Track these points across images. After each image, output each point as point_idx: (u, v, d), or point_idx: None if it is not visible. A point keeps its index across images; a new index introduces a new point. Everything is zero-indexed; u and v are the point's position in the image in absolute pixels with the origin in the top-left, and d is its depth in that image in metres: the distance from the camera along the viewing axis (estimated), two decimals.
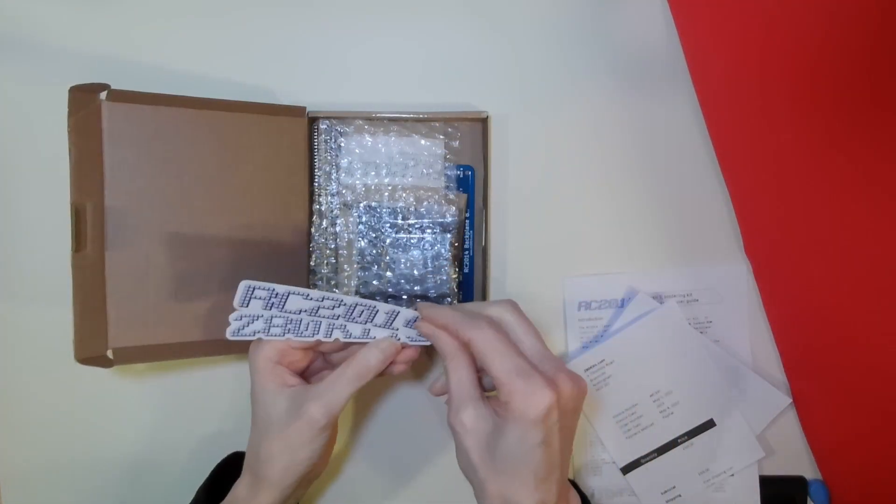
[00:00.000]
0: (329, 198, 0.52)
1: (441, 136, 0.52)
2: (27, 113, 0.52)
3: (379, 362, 0.41)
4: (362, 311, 0.41)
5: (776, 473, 0.54)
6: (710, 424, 0.53)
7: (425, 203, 0.52)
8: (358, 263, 0.52)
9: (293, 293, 0.39)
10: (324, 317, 0.41)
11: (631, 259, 0.54)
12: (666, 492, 0.53)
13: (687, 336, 0.53)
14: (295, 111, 0.50)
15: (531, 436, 0.35)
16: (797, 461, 0.55)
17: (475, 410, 0.37)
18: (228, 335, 0.40)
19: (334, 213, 0.52)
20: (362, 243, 0.52)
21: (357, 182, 0.52)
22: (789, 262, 0.50)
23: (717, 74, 0.50)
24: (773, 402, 0.53)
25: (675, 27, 0.51)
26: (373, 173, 0.52)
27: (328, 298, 0.40)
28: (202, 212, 0.47)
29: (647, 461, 0.53)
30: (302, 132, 0.50)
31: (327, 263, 0.52)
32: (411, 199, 0.52)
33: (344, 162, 0.52)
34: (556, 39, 0.52)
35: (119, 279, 0.45)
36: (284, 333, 0.41)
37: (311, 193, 0.51)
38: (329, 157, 0.52)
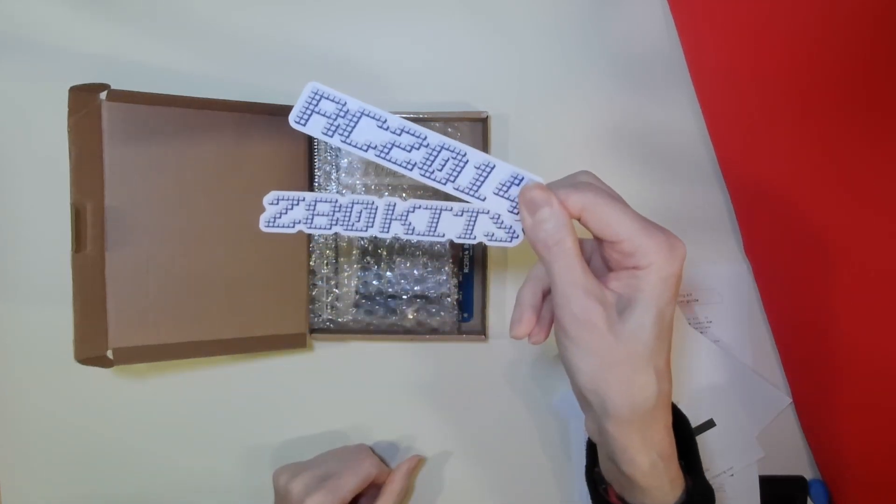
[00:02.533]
0: None
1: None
2: (27, 113, 0.52)
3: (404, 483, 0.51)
4: (446, 160, 0.32)
5: (776, 473, 0.54)
6: (710, 424, 0.53)
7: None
8: (358, 263, 0.52)
9: (367, 114, 0.31)
10: (393, 160, 0.32)
11: None
12: None
13: (687, 336, 0.53)
14: None
15: (670, 299, 0.31)
16: (797, 461, 0.55)
17: (601, 299, 0.31)
18: (262, 225, 0.34)
19: None
20: (362, 243, 0.52)
21: (357, 182, 0.52)
22: (789, 262, 0.50)
23: (716, 75, 0.50)
24: (773, 402, 0.53)
25: (675, 27, 0.51)
26: (373, 173, 0.52)
27: (407, 132, 0.32)
28: (202, 212, 0.47)
29: None
30: (302, 132, 0.50)
31: (327, 263, 0.52)
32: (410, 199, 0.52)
33: (344, 162, 0.52)
34: (557, 39, 0.52)
35: (119, 279, 0.45)
36: (331, 225, 0.33)
37: None
38: (329, 157, 0.52)
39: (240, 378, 0.54)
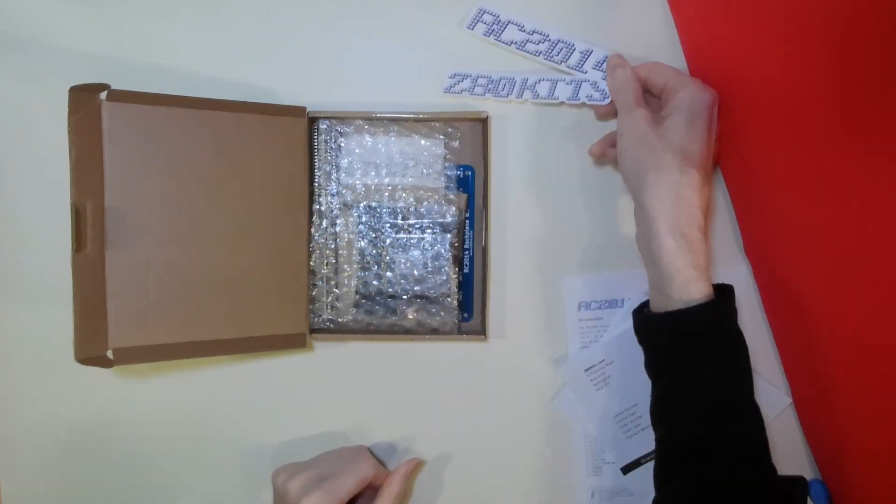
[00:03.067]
0: (329, 198, 0.52)
1: (441, 136, 0.52)
2: (27, 113, 0.52)
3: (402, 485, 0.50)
4: (561, 49, 0.48)
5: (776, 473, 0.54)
6: None
7: (425, 203, 0.52)
8: (358, 263, 0.52)
9: (511, 22, 0.48)
10: (528, 52, 0.49)
11: (631, 259, 0.54)
12: None
13: None
14: (295, 111, 0.50)
15: (703, 109, 0.43)
16: (797, 461, 0.55)
17: (646, 108, 0.45)
18: (444, 90, 0.50)
19: (334, 213, 0.52)
20: (362, 243, 0.52)
21: (357, 182, 0.52)
22: (789, 262, 0.50)
23: (716, 75, 0.50)
24: (773, 402, 0.53)
25: (675, 27, 0.51)
26: (373, 173, 0.52)
27: (537, 31, 0.48)
28: (202, 212, 0.47)
29: (647, 461, 0.53)
30: (302, 132, 0.50)
31: (327, 263, 0.52)
32: (411, 199, 0.52)
33: (344, 162, 0.52)
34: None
35: (119, 279, 0.45)
36: (485, 93, 0.49)
37: (311, 193, 0.51)
38: (329, 157, 0.52)
39: (240, 378, 0.54)
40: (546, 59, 0.48)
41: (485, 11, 0.48)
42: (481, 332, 0.51)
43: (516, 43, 0.48)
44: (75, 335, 0.42)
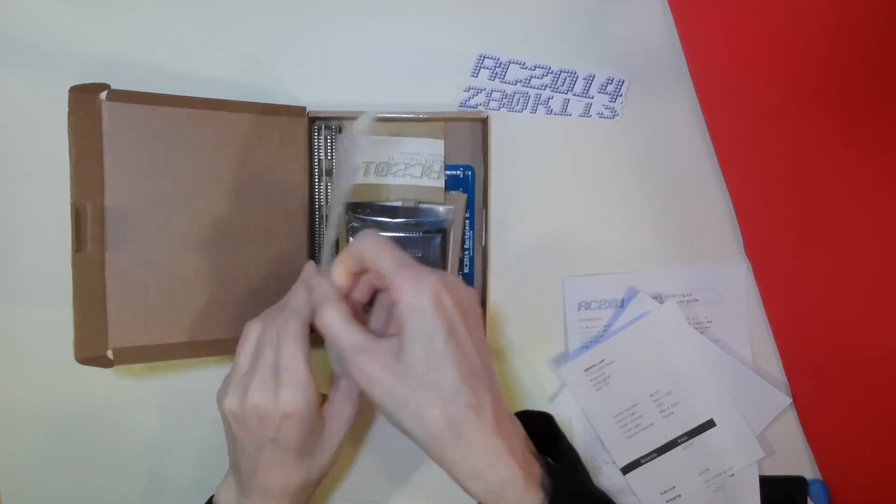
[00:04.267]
0: (329, 198, 0.52)
1: (441, 136, 0.52)
2: (27, 113, 0.52)
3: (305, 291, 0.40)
4: (565, 79, 0.50)
5: (776, 473, 0.54)
6: (710, 424, 0.53)
7: (422, 204, 0.52)
8: None
9: (513, 62, 0.50)
10: (533, 86, 0.50)
11: (631, 259, 0.54)
12: (666, 492, 0.53)
13: (687, 336, 0.53)
14: (295, 111, 0.50)
15: (432, 325, 0.34)
16: (797, 461, 0.55)
17: (371, 351, 0.35)
18: (458, 105, 0.51)
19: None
20: None
21: (357, 182, 0.52)
22: (789, 262, 0.50)
23: (717, 74, 0.50)
24: (773, 402, 0.53)
25: (675, 27, 0.51)
26: (373, 173, 0.52)
27: (539, 67, 0.50)
28: (202, 212, 0.47)
29: (647, 461, 0.53)
30: (302, 132, 0.50)
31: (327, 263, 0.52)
32: (411, 199, 0.52)
33: (344, 162, 0.52)
34: (556, 39, 0.52)
35: (119, 279, 0.45)
36: (500, 107, 0.51)
37: (311, 193, 0.51)
38: (329, 157, 0.52)
39: None
40: (553, 91, 0.51)
41: (485, 57, 0.50)
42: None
43: (521, 81, 0.50)
44: (75, 335, 0.42)
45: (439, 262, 0.51)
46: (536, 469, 0.37)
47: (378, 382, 0.35)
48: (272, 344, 0.38)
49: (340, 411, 0.42)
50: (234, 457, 0.42)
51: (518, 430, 0.39)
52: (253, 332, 0.40)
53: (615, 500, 0.40)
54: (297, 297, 0.40)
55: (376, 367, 0.35)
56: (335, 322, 0.37)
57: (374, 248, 0.37)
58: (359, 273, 0.40)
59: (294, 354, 0.38)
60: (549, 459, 0.39)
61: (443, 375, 0.34)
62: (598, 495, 0.40)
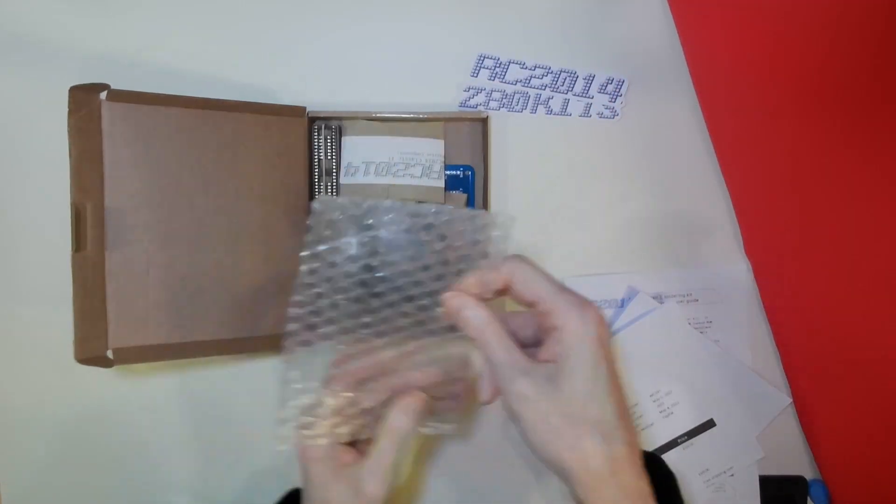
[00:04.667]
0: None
1: (441, 136, 0.52)
2: (27, 113, 0.52)
3: (409, 424, 0.40)
4: (565, 79, 0.50)
5: (776, 473, 0.54)
6: (710, 424, 0.53)
7: (422, 204, 0.52)
8: (355, 263, 0.51)
9: (513, 62, 0.49)
10: (533, 86, 0.49)
11: (631, 259, 0.54)
12: None
13: (687, 336, 0.53)
14: (295, 111, 0.50)
15: (597, 356, 0.33)
16: (797, 461, 0.55)
17: (530, 373, 0.34)
18: (459, 105, 0.51)
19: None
20: (353, 242, 0.51)
21: (357, 182, 0.52)
22: (789, 262, 0.50)
23: (717, 74, 0.50)
24: (773, 402, 0.53)
25: (675, 27, 0.51)
26: (373, 173, 0.52)
27: (539, 67, 0.49)
28: (202, 212, 0.47)
29: None
30: (302, 132, 0.50)
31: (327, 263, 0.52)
32: (410, 199, 0.52)
33: (344, 162, 0.52)
34: (556, 39, 0.52)
35: (119, 279, 0.44)
36: (500, 107, 0.50)
37: (311, 193, 0.51)
38: (329, 157, 0.52)
39: (240, 378, 0.54)
40: (552, 91, 0.50)
41: (485, 57, 0.49)
42: None
43: (521, 81, 0.50)
44: (75, 335, 0.42)
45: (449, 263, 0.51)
46: None
47: (535, 408, 0.34)
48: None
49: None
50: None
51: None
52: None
53: None
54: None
55: (535, 391, 0.34)
56: (494, 343, 0.36)
57: (529, 271, 0.36)
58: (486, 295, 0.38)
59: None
60: None
61: (604, 410, 0.33)
62: None
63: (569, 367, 0.34)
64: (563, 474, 0.34)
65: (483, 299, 0.37)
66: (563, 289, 0.35)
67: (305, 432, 0.41)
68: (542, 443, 0.34)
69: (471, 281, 0.37)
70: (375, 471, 0.39)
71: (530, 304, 0.36)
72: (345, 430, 0.41)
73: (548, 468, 0.35)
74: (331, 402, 0.41)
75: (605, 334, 0.34)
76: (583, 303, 0.34)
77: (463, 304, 0.37)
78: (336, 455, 0.41)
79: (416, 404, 0.40)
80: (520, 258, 0.37)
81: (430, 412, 0.42)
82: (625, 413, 0.34)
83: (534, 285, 0.35)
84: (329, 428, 0.41)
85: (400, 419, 0.40)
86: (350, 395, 0.41)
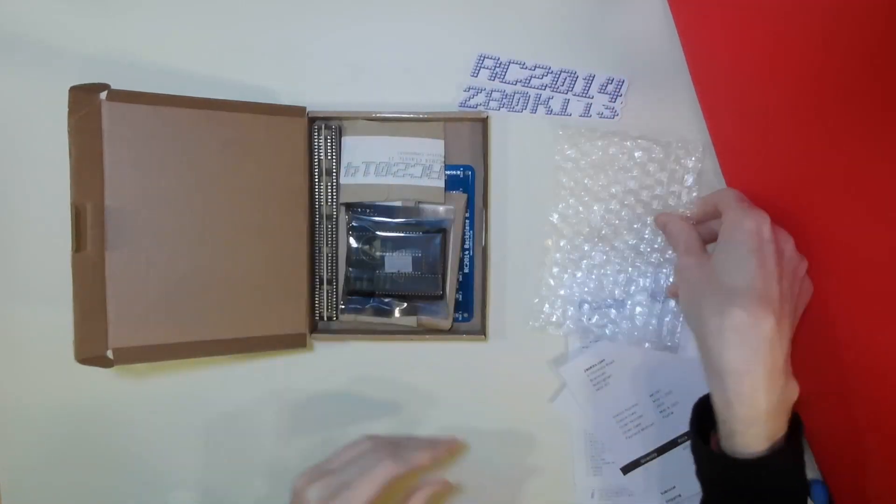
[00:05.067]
0: (329, 198, 0.52)
1: (441, 136, 0.52)
2: (27, 113, 0.52)
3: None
4: (565, 79, 0.50)
5: None
6: None
7: (422, 203, 0.52)
8: (356, 263, 0.52)
9: (513, 62, 0.50)
10: (533, 86, 0.50)
11: (631, 259, 0.54)
12: (666, 492, 0.53)
13: (687, 336, 0.53)
14: (295, 111, 0.50)
15: (741, 239, 0.41)
16: None
17: (694, 252, 0.45)
18: (458, 105, 0.51)
19: (334, 213, 0.52)
20: (359, 243, 0.52)
21: (357, 182, 0.52)
22: None
23: (717, 74, 0.50)
24: None
25: (675, 27, 0.51)
26: (373, 173, 0.52)
27: (539, 67, 0.50)
28: (202, 212, 0.47)
29: (647, 461, 0.53)
30: (302, 132, 0.50)
31: (328, 263, 0.52)
32: (410, 199, 0.52)
33: (344, 162, 0.52)
34: (556, 39, 0.52)
35: (119, 279, 0.45)
36: (500, 107, 0.51)
37: (311, 193, 0.51)
38: (329, 157, 0.52)
39: (240, 378, 0.54)
40: (553, 91, 0.51)
41: (485, 57, 0.49)
42: (481, 332, 0.51)
43: (521, 81, 0.50)
44: (75, 335, 0.42)
45: (439, 262, 0.51)
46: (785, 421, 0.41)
47: (691, 272, 0.44)
48: (354, 478, 0.43)
49: None
50: None
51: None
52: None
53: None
54: None
55: (695, 261, 0.44)
56: (678, 233, 0.47)
57: (727, 193, 0.46)
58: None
59: (363, 494, 0.42)
60: None
61: (736, 280, 0.40)
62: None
63: (718, 245, 0.42)
64: (701, 332, 0.41)
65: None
66: (744, 202, 0.44)
67: None
68: (687, 301, 0.43)
69: (693, 211, 0.50)
70: None
71: (717, 216, 0.45)
72: None
73: (696, 338, 0.42)
74: None
75: (763, 232, 0.41)
76: (751, 207, 0.42)
77: (669, 219, 0.48)
78: None
79: (384, 476, 0.43)
80: (730, 190, 0.48)
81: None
82: (766, 297, 0.39)
83: (723, 200, 0.44)
84: None
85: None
86: None
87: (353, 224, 0.52)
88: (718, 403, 0.41)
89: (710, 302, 0.40)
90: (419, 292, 0.52)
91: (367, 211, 0.52)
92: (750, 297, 0.39)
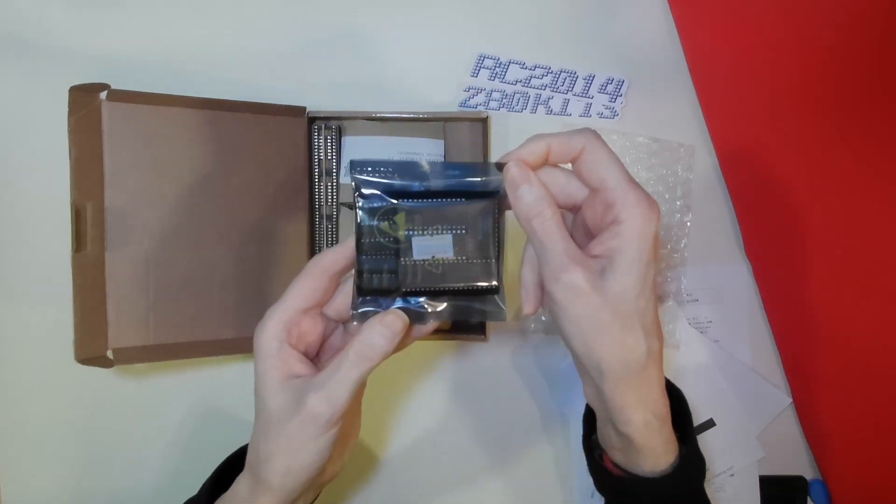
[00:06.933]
0: (329, 198, 0.52)
1: (441, 137, 0.52)
2: (27, 113, 0.52)
3: (386, 341, 0.34)
4: (564, 79, 0.50)
5: (776, 473, 0.54)
6: (710, 424, 0.53)
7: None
8: (365, 244, 0.36)
9: (513, 62, 0.49)
10: (533, 87, 0.49)
11: None
12: None
13: (687, 336, 0.53)
14: (295, 111, 0.50)
15: (650, 258, 0.32)
16: (797, 461, 0.55)
17: (584, 264, 0.32)
18: (459, 105, 0.51)
19: (334, 213, 0.52)
20: (365, 217, 0.35)
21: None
22: (789, 262, 0.50)
23: (717, 74, 0.50)
24: (773, 402, 0.53)
25: (675, 27, 0.51)
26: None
27: (539, 67, 0.49)
28: (202, 212, 0.47)
29: None
30: (302, 132, 0.50)
31: None
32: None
33: (344, 162, 0.52)
34: (557, 39, 0.52)
35: (119, 279, 0.45)
36: (500, 107, 0.50)
37: (311, 193, 0.51)
38: (329, 157, 0.52)
39: (240, 378, 0.54)
40: (552, 91, 0.50)
41: (485, 57, 0.49)
42: (481, 332, 0.51)
43: (521, 81, 0.50)
44: (75, 335, 0.42)
45: (492, 239, 0.35)
46: (673, 438, 0.37)
47: (586, 301, 0.32)
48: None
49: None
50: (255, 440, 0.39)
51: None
52: None
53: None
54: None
55: (589, 282, 0.32)
56: (551, 227, 0.33)
57: (603, 151, 0.32)
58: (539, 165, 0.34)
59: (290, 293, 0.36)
60: None
61: (649, 307, 0.33)
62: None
63: (626, 263, 0.32)
64: (597, 368, 0.33)
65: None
66: (631, 180, 0.32)
67: None
68: (583, 334, 0.33)
69: (536, 147, 0.33)
70: (325, 384, 0.33)
71: (593, 189, 0.33)
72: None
73: (578, 362, 0.35)
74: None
75: (658, 234, 0.33)
76: (649, 200, 0.32)
77: (525, 177, 0.33)
78: (288, 358, 0.35)
79: (396, 324, 0.34)
80: (594, 133, 0.33)
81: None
82: (658, 318, 0.34)
83: (604, 169, 0.32)
84: None
85: (376, 333, 0.34)
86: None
87: (363, 191, 0.34)
88: (615, 433, 0.36)
89: (624, 342, 0.33)
90: (465, 285, 0.35)
91: (383, 171, 0.34)
92: (656, 321, 0.34)
